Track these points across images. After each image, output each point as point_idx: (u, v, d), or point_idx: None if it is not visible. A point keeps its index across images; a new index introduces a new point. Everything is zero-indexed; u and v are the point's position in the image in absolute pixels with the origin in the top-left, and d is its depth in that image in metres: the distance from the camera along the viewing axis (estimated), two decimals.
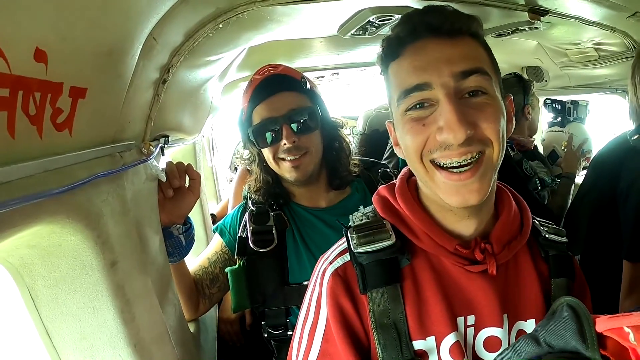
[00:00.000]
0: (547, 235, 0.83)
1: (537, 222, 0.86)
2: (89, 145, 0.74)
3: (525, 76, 2.18)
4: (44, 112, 0.60)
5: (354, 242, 0.77)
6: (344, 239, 0.82)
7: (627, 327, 0.48)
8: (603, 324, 0.51)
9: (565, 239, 0.85)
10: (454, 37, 0.70)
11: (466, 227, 0.76)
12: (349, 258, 0.78)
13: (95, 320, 0.77)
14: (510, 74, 2.06)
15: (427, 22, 0.70)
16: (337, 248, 0.83)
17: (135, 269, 0.87)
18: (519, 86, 1.98)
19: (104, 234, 0.74)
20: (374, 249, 0.75)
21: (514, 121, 0.80)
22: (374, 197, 0.86)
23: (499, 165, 0.72)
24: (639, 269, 1.28)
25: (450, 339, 0.73)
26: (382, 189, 0.86)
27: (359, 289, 0.75)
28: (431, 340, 0.73)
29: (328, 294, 0.76)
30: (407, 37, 0.72)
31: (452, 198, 0.70)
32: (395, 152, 0.82)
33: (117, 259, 0.78)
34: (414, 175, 0.83)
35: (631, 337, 0.47)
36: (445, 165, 0.69)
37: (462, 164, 0.67)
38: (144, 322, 0.85)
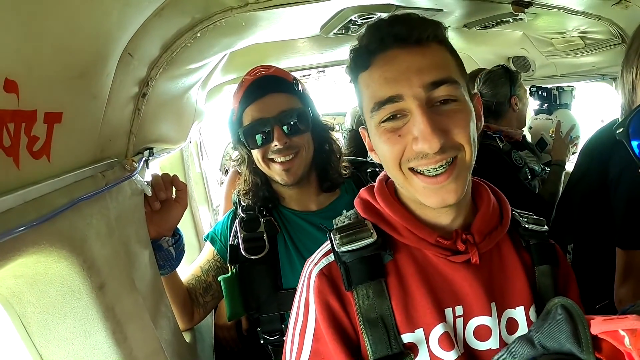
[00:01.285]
0: (527, 226, 0.86)
1: (517, 214, 0.89)
2: (69, 169, 0.73)
3: (512, 67, 2.17)
4: (19, 141, 0.58)
5: (337, 242, 0.79)
6: (328, 242, 0.84)
7: (623, 330, 0.48)
8: (598, 326, 0.51)
9: (545, 227, 0.88)
10: (422, 46, 0.72)
11: (446, 221, 0.79)
12: (333, 258, 0.81)
13: (88, 343, 0.77)
14: (497, 65, 2.05)
15: (395, 32, 0.71)
16: (321, 250, 0.86)
17: (125, 288, 0.86)
18: (506, 78, 1.97)
19: (90, 258, 0.74)
20: (356, 247, 0.78)
21: (483, 118, 0.82)
22: (356, 200, 0.89)
23: (473, 165, 0.76)
24: (632, 256, 1.29)
25: (438, 330, 0.75)
26: (362, 191, 0.89)
27: (344, 286, 0.77)
28: (419, 332, 0.75)
29: (315, 294, 0.78)
30: (376, 48, 0.73)
31: (431, 200, 0.73)
32: (371, 157, 0.85)
33: (105, 281, 0.77)
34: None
35: (626, 341, 0.47)
36: (422, 171, 0.72)
37: (437, 169, 0.71)
38: (137, 341, 0.85)
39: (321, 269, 0.80)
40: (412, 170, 0.73)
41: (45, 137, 0.64)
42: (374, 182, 1.41)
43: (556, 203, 1.82)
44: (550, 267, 0.84)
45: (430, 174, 0.71)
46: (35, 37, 0.55)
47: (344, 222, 0.85)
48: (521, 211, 0.90)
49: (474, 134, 0.73)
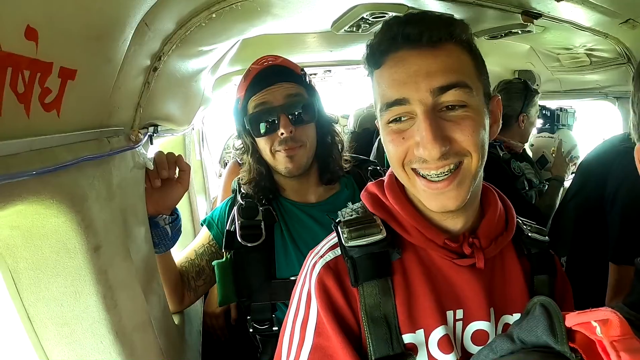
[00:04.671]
0: (529, 234, 0.86)
1: (521, 222, 0.88)
2: (76, 128, 0.73)
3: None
4: (32, 90, 0.59)
5: (345, 236, 0.78)
6: (334, 234, 0.83)
7: (594, 321, 0.50)
8: (572, 319, 0.53)
9: (546, 238, 0.87)
10: (435, 47, 0.69)
11: (453, 224, 0.78)
12: (340, 252, 0.79)
13: (77, 306, 0.76)
14: (519, 79, 2.06)
15: (407, 33, 0.69)
16: (327, 243, 0.84)
17: (119, 255, 0.86)
18: (522, 93, 1.98)
19: (88, 218, 0.74)
20: (365, 242, 0.76)
21: (500, 121, 0.80)
22: (363, 194, 0.88)
23: (479, 172, 0.74)
24: (625, 271, 1.30)
25: (438, 333, 0.74)
26: (370, 185, 0.88)
27: (350, 282, 0.76)
28: (420, 333, 0.75)
29: (318, 287, 0.77)
30: (387, 47, 0.72)
31: (432, 203, 0.73)
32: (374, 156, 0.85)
33: (100, 244, 0.77)
34: None
35: (598, 330, 0.49)
36: (424, 175, 0.72)
37: (439, 174, 0.70)
38: (127, 310, 0.84)
39: (327, 262, 0.79)
40: (414, 171, 0.73)
41: (57, 91, 0.65)
42: (374, 179, 1.43)
43: (551, 216, 1.84)
44: (548, 277, 0.84)
45: (432, 179, 0.71)
46: None
47: (351, 215, 0.84)
48: (525, 220, 0.91)
49: (483, 140, 0.71)
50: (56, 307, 0.75)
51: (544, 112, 2.45)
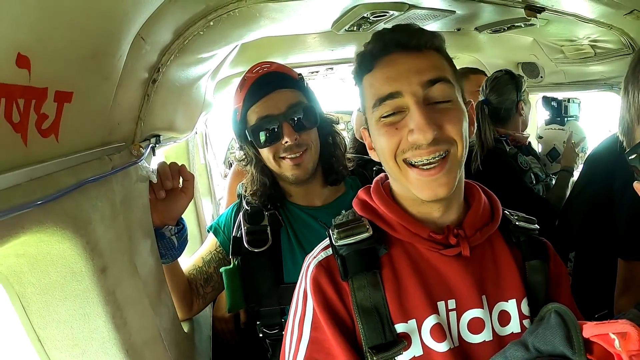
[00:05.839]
0: (517, 223, 0.90)
1: (508, 213, 0.93)
2: (76, 150, 0.73)
3: (521, 72, 2.16)
4: (28, 118, 0.58)
5: (335, 236, 0.85)
6: (327, 238, 0.90)
7: (613, 333, 0.50)
8: (589, 330, 0.53)
9: (535, 226, 0.92)
10: (421, 51, 0.79)
11: (439, 217, 0.84)
12: (331, 252, 0.85)
13: (87, 327, 0.76)
14: (501, 70, 2.04)
15: (397, 38, 0.79)
16: (320, 245, 0.91)
17: (126, 273, 0.86)
18: (512, 84, 1.97)
19: (93, 240, 0.73)
20: (352, 241, 0.83)
21: (476, 124, 0.89)
22: (354, 200, 0.94)
23: (464, 162, 0.81)
24: (633, 266, 1.29)
25: (430, 321, 0.78)
26: (360, 192, 0.95)
27: (340, 277, 0.82)
28: (412, 323, 0.79)
29: (312, 285, 0.82)
30: (379, 52, 0.80)
31: (424, 192, 0.78)
32: (370, 155, 0.91)
33: (107, 265, 0.77)
34: (387, 179, 0.93)
35: (616, 343, 0.49)
36: (416, 163, 0.77)
37: (430, 161, 0.76)
38: (136, 327, 0.85)
39: (320, 262, 0.85)
40: (406, 162, 0.78)
41: (54, 116, 0.64)
42: None
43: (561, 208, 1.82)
44: (541, 262, 0.88)
45: (424, 167, 0.77)
46: (51, 13, 0.54)
47: (342, 220, 0.90)
48: (512, 211, 0.95)
49: (466, 132, 0.80)
50: (66, 329, 0.75)
51: (552, 103, 2.41)
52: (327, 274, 0.83)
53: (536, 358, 0.57)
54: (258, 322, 1.31)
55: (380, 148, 0.82)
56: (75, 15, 0.59)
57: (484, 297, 0.81)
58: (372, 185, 0.92)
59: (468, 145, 0.81)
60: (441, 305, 0.80)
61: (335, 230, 0.85)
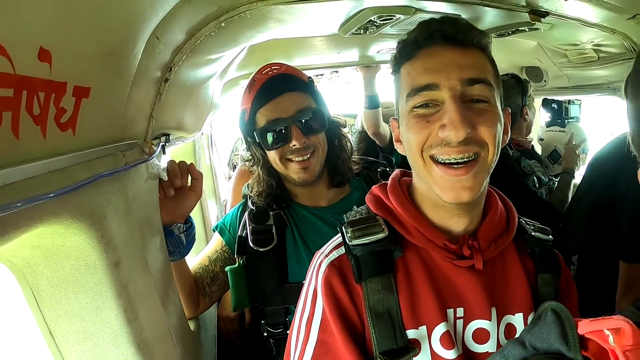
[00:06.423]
0: (532, 233, 0.88)
1: (523, 222, 0.90)
2: (92, 145, 0.74)
3: (525, 76, 2.18)
4: (48, 112, 0.59)
5: (349, 235, 0.81)
6: (339, 235, 0.86)
7: (607, 329, 0.50)
8: (584, 327, 0.53)
9: (550, 237, 0.89)
10: (465, 47, 0.75)
11: (456, 224, 0.81)
12: (344, 251, 0.82)
13: (99, 320, 0.77)
14: (507, 74, 2.06)
15: (443, 30, 0.75)
16: (332, 243, 0.87)
17: (138, 268, 0.87)
18: (518, 88, 1.99)
19: (108, 234, 0.74)
20: (367, 241, 0.80)
21: (509, 132, 0.86)
22: (367, 196, 0.91)
23: (492, 169, 0.77)
24: (635, 269, 1.30)
25: (440, 329, 0.77)
26: (375, 188, 0.91)
27: (354, 279, 0.79)
28: (423, 329, 0.77)
29: (324, 285, 0.79)
30: (423, 41, 0.77)
31: (447, 193, 0.74)
32: (396, 148, 0.87)
33: (120, 259, 0.78)
34: (405, 176, 0.89)
35: (611, 339, 0.49)
36: (443, 161, 0.74)
37: (458, 161, 0.72)
38: (147, 321, 0.85)
39: (332, 261, 0.82)
40: (432, 159, 0.75)
41: (72, 110, 0.65)
42: (385, 181, 1.43)
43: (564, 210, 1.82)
44: (553, 276, 0.86)
45: (452, 165, 0.73)
46: (71, 12, 0.56)
47: (355, 217, 0.87)
48: (527, 220, 0.92)
49: (499, 136, 0.76)
50: (78, 322, 0.76)
51: (552, 105, 2.42)
52: (340, 274, 0.79)
53: (533, 356, 0.57)
54: (263, 321, 1.31)
55: (408, 140, 0.78)
56: (94, 13, 0.61)
57: (493, 309, 0.79)
58: (388, 183, 0.89)
59: (499, 152, 0.77)
60: (450, 312, 0.78)
61: (350, 229, 0.81)
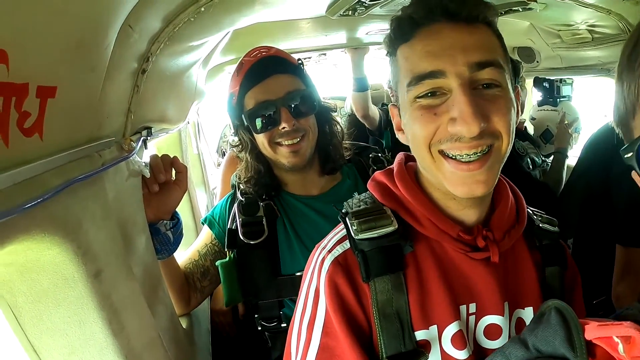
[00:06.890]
0: (540, 225, 0.84)
1: (531, 212, 0.86)
2: (63, 148, 0.68)
3: (517, 57, 2.13)
4: (8, 117, 0.53)
5: (355, 228, 0.73)
6: (341, 226, 0.79)
7: (617, 337, 0.47)
8: (592, 332, 0.50)
9: (557, 228, 0.85)
10: (471, 25, 0.67)
11: (467, 216, 0.75)
12: (349, 245, 0.75)
13: (83, 334, 0.73)
14: None
15: (445, 5, 0.66)
16: (335, 236, 0.79)
17: (121, 275, 0.82)
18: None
19: (85, 244, 0.69)
20: (376, 235, 0.72)
21: (520, 110, 0.77)
22: (370, 183, 0.84)
23: (506, 157, 0.71)
24: (632, 253, 1.30)
25: (452, 329, 0.72)
26: (378, 174, 0.84)
27: (361, 277, 0.72)
28: (433, 329, 0.72)
29: (327, 284, 0.73)
30: (421, 19, 0.68)
31: (458, 188, 0.68)
32: (397, 137, 0.80)
33: (101, 268, 0.73)
34: (409, 160, 0.82)
35: (620, 348, 0.46)
36: (454, 156, 0.67)
37: (471, 156, 0.66)
38: (134, 330, 0.82)
39: (336, 257, 0.75)
40: (442, 153, 0.68)
41: (37, 113, 0.59)
42: (376, 166, 1.39)
43: (559, 191, 1.82)
44: (559, 269, 0.82)
45: (463, 160, 0.66)
46: (28, 1, 0.49)
47: (359, 206, 0.79)
48: (535, 210, 0.88)
49: (513, 123, 0.69)
50: (61, 338, 0.72)
51: (544, 84, 2.39)
52: (345, 273, 0.73)
53: (536, 358, 0.55)
54: (256, 315, 1.29)
55: (413, 134, 0.71)
56: (56, 3, 0.54)
57: (506, 303, 0.75)
58: (395, 168, 0.81)
59: (513, 139, 0.70)
60: (462, 308, 0.74)
61: (355, 221, 0.74)
